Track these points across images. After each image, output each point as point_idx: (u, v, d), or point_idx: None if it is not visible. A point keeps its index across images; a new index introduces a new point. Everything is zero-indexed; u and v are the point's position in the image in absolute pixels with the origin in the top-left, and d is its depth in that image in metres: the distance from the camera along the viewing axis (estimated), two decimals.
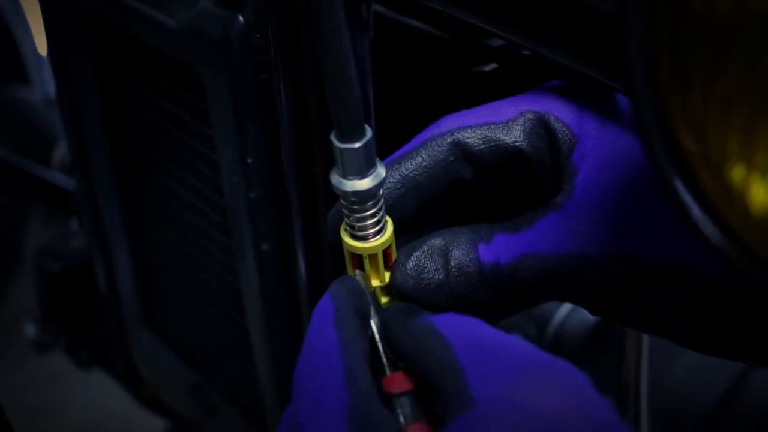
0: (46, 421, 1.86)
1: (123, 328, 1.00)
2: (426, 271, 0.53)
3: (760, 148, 0.37)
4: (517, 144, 0.53)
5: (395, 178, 0.53)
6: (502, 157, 0.54)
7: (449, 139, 0.54)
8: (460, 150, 0.54)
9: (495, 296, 0.53)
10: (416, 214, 0.55)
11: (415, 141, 0.55)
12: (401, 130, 0.57)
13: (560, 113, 0.54)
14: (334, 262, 0.72)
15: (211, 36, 0.63)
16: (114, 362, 1.09)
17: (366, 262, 0.53)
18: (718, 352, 0.55)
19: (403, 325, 0.50)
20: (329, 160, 0.64)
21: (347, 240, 0.53)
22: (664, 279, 0.50)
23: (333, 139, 0.48)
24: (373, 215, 0.51)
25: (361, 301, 0.52)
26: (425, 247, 0.53)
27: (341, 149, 0.48)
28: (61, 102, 0.88)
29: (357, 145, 0.48)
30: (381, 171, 0.49)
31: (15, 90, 1.59)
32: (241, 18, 0.62)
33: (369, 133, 0.48)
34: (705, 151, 0.38)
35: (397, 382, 0.49)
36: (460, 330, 0.47)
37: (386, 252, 0.53)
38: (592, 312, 0.56)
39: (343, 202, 0.51)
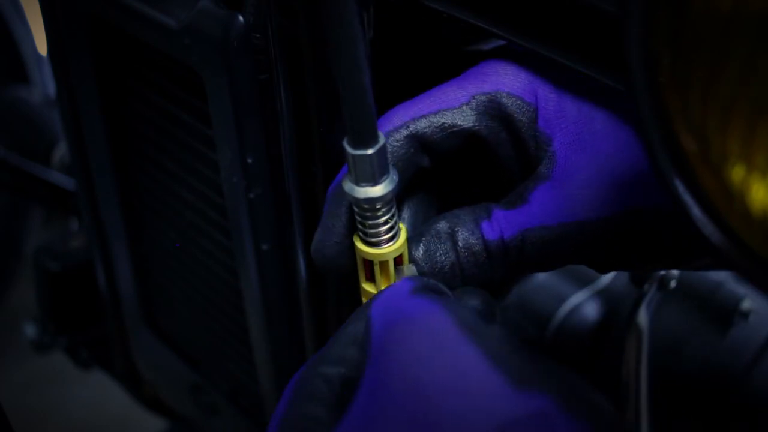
0: (46, 421, 1.86)
1: (123, 328, 1.00)
2: (437, 254, 0.54)
3: (760, 148, 0.37)
4: (473, 127, 0.54)
5: None
6: (460, 141, 0.55)
7: (405, 133, 0.54)
8: (418, 141, 0.54)
9: (506, 270, 0.54)
10: None
11: None
12: None
13: (510, 87, 0.55)
14: None
15: (211, 36, 0.63)
16: (114, 362, 1.09)
17: (376, 268, 0.53)
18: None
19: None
20: (329, 160, 0.64)
21: (359, 245, 0.52)
22: (670, 221, 0.52)
23: (345, 145, 0.48)
24: (385, 222, 0.51)
25: None
26: (432, 232, 0.54)
27: (354, 155, 0.48)
28: (61, 102, 0.88)
29: (370, 151, 0.47)
30: (394, 177, 0.49)
31: (15, 90, 1.59)
32: (241, 18, 0.62)
33: (382, 139, 0.48)
34: (705, 151, 0.38)
35: None
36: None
37: (397, 260, 0.53)
38: (599, 270, 0.58)
39: (355, 208, 0.51)
